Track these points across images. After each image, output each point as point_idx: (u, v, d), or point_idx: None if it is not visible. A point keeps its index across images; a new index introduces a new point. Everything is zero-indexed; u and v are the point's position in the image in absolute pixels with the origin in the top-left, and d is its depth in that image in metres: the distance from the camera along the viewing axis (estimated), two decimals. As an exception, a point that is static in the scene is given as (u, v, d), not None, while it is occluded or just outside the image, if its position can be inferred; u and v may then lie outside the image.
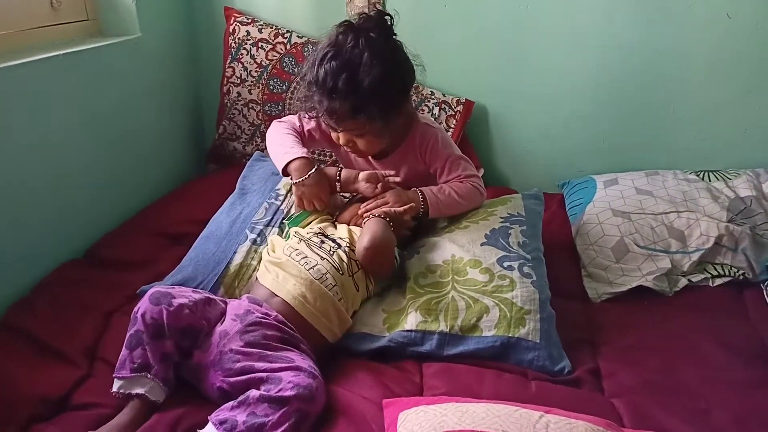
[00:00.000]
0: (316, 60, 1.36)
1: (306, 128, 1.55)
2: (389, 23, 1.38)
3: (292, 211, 1.52)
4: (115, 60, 1.72)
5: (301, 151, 1.46)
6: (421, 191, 1.47)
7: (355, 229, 1.41)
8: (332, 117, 1.38)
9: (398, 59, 1.39)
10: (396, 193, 1.46)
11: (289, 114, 1.70)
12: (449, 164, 1.52)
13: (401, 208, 1.42)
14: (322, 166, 1.51)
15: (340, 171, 1.50)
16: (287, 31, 1.97)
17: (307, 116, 1.48)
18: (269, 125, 1.58)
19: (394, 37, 1.39)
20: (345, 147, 1.47)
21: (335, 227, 1.45)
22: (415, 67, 1.43)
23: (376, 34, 1.35)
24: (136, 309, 1.15)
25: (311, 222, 1.46)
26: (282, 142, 1.51)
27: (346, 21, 1.39)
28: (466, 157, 1.56)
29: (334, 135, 1.47)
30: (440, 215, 1.51)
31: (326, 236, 1.38)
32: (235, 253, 1.41)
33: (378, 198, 1.46)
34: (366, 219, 1.41)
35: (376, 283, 1.38)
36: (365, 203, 1.46)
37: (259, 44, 1.97)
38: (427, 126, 1.53)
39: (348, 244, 1.36)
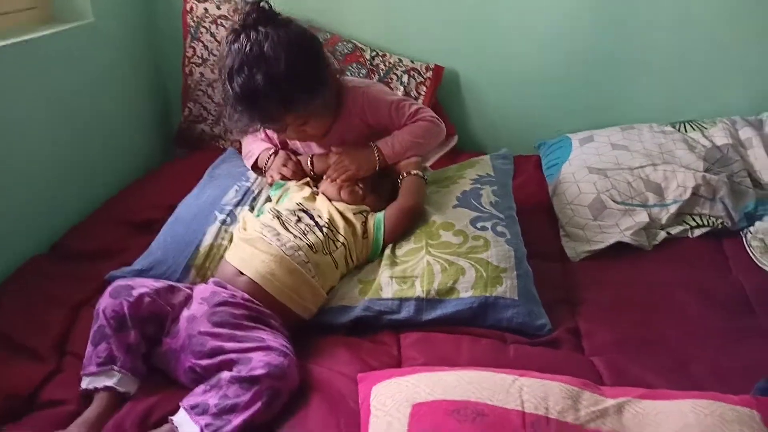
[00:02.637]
0: (225, 79, 1.32)
1: (270, 135, 1.57)
2: (266, 6, 1.34)
3: (263, 192, 1.51)
4: (69, 46, 1.67)
5: (264, 146, 1.51)
6: (374, 144, 1.46)
7: (339, 206, 1.39)
8: (270, 121, 1.37)
9: (296, 34, 1.34)
10: (349, 154, 1.45)
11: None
12: (394, 112, 1.49)
13: (348, 173, 1.43)
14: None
15: (310, 158, 1.51)
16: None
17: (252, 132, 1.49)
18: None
19: (279, 16, 1.35)
20: (297, 139, 1.48)
21: (316, 202, 1.41)
22: (314, 32, 1.40)
23: (263, 24, 1.31)
24: (97, 305, 1.13)
25: (291, 189, 1.46)
26: (249, 149, 1.58)
27: (231, 28, 1.34)
28: (407, 97, 1.54)
29: (281, 137, 1.51)
30: (402, 158, 1.47)
31: (306, 212, 1.35)
32: (204, 234, 1.38)
33: (336, 165, 1.44)
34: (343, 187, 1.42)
35: (359, 259, 1.36)
36: (327, 173, 1.46)
37: (219, 21, 1.91)
38: (355, 88, 1.50)
39: (327, 224, 1.33)
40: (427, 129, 1.49)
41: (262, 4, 1.34)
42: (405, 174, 1.44)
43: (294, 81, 1.30)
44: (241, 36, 1.30)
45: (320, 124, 1.44)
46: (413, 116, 1.49)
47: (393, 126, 1.49)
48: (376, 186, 1.47)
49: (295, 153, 1.58)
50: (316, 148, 1.54)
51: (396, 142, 1.46)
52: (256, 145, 1.58)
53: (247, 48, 1.29)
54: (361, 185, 1.44)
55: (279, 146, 1.58)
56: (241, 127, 1.39)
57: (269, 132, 1.55)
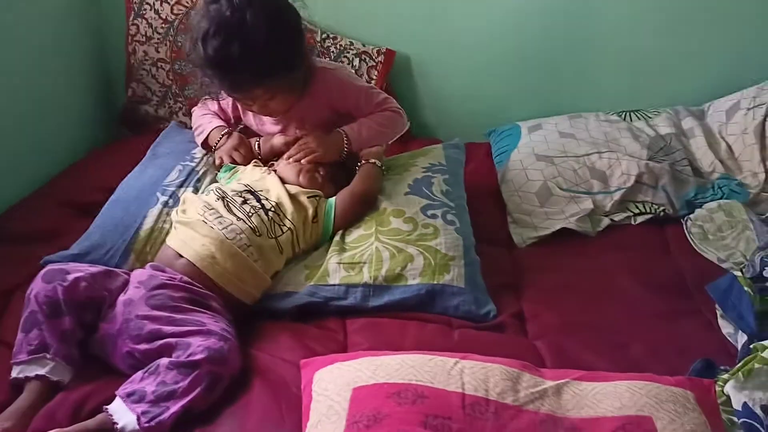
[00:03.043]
0: (198, 39, 1.27)
1: (224, 107, 1.52)
2: None
3: (208, 173, 1.47)
4: (6, 20, 1.58)
5: (216, 123, 1.47)
6: (342, 130, 1.44)
7: (292, 189, 1.35)
8: (238, 91, 1.33)
9: (278, 5, 1.31)
10: (317, 136, 1.43)
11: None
12: (363, 99, 1.48)
13: (315, 155, 1.40)
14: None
15: (258, 141, 1.49)
16: (193, -17, 1.86)
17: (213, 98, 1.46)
18: (181, 86, 1.51)
19: None
20: (258, 112, 1.43)
21: (266, 182, 1.38)
22: (296, 5, 1.36)
23: None
24: (28, 291, 1.08)
25: (240, 170, 1.44)
26: (200, 123, 1.52)
27: None
28: (374, 86, 1.54)
29: (236, 111, 1.46)
30: (366, 146, 1.46)
31: (252, 193, 1.32)
32: (145, 217, 1.34)
33: (301, 146, 1.41)
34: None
35: (308, 244, 1.34)
36: (287, 152, 1.43)
37: (163, -2, 1.85)
38: (325, 69, 1.47)
39: (274, 207, 1.30)
40: (392, 119, 1.49)
41: None
42: (363, 161, 1.43)
43: (272, 55, 1.26)
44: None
45: (287, 100, 1.40)
46: (380, 105, 1.48)
47: (359, 113, 1.48)
48: (334, 174, 1.45)
49: (247, 131, 1.55)
50: (269, 124, 1.51)
51: (363, 130, 1.45)
52: (206, 120, 1.52)
53: (228, 12, 1.24)
54: (321, 171, 1.41)
55: (231, 119, 1.54)
56: (205, 91, 1.36)
57: (223, 103, 1.51)
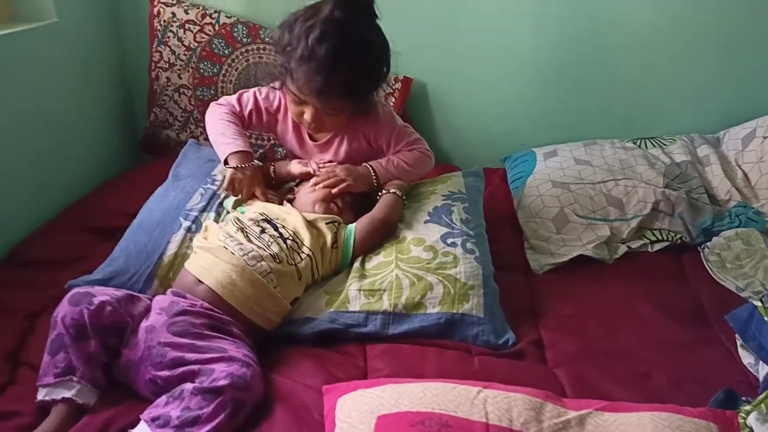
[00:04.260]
0: (310, 34, 1.30)
1: (246, 111, 1.52)
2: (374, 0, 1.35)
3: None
4: (31, 47, 1.62)
5: (244, 145, 1.45)
6: (370, 165, 1.47)
7: (309, 216, 1.36)
8: (317, 93, 1.34)
9: (385, 41, 1.38)
10: (346, 168, 1.45)
11: (224, 96, 1.63)
12: (394, 137, 1.51)
13: (347, 184, 1.42)
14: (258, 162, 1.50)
15: (273, 166, 1.51)
16: (215, 12, 1.90)
17: (268, 88, 1.48)
18: (202, 111, 1.53)
19: (374, 9, 1.36)
20: (300, 119, 1.43)
21: (281, 210, 1.39)
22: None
23: (369, 15, 1.34)
24: (55, 313, 1.10)
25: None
26: (224, 131, 1.47)
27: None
28: (409, 125, 1.57)
29: (295, 110, 1.42)
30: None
31: (269, 221, 1.33)
32: (168, 242, 1.34)
33: (329, 173, 1.44)
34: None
35: (327, 270, 1.35)
36: (314, 179, 1.44)
37: (186, 26, 1.89)
38: (377, 103, 1.50)
39: (291, 236, 1.31)
40: (421, 160, 1.52)
41: None
42: (384, 191, 1.45)
43: (367, 77, 1.34)
44: (347, 10, 1.30)
45: (344, 122, 1.44)
46: (410, 144, 1.52)
47: (389, 149, 1.52)
48: (353, 202, 1.47)
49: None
50: (290, 136, 1.53)
51: (391, 166, 1.48)
52: (233, 135, 1.46)
53: (349, 23, 1.30)
54: (344, 200, 1.43)
55: (246, 120, 1.52)
56: (273, 76, 1.41)
57: (243, 100, 1.51)
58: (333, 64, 1.29)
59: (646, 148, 1.81)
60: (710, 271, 1.48)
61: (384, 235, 1.38)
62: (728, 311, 1.24)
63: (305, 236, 1.31)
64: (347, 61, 1.30)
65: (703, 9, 1.84)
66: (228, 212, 1.42)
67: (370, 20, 1.35)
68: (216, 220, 1.40)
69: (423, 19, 1.93)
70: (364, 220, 1.39)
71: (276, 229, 1.32)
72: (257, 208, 1.38)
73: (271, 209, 1.38)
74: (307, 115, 1.39)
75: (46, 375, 1.06)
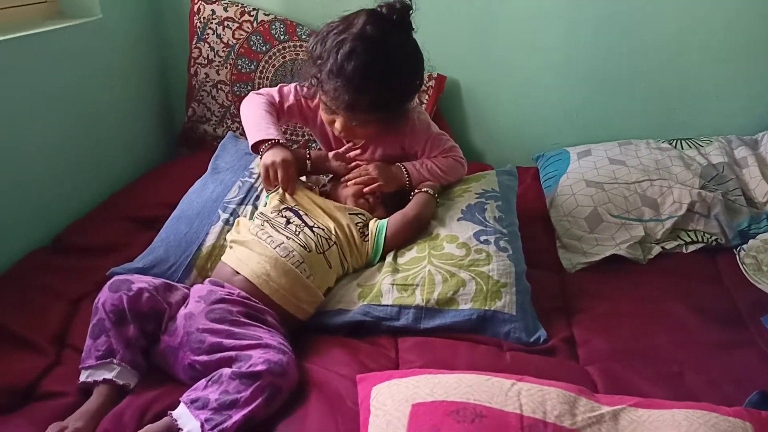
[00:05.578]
0: (340, 50, 1.29)
1: (287, 103, 1.51)
2: (411, 14, 1.34)
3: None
4: (76, 42, 1.68)
5: (277, 135, 1.41)
6: (404, 166, 1.48)
7: (327, 204, 1.38)
8: (345, 108, 1.34)
9: (419, 55, 1.37)
10: (380, 167, 1.46)
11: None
12: (429, 144, 1.52)
13: (378, 184, 1.43)
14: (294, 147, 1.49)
15: (309, 152, 1.49)
16: (253, 9, 1.94)
17: (303, 94, 1.47)
18: (239, 106, 1.55)
19: (410, 21, 1.35)
20: (340, 129, 1.41)
21: (309, 201, 1.40)
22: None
23: (404, 30, 1.33)
24: (96, 299, 1.14)
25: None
26: (259, 120, 1.45)
27: (372, 10, 1.33)
28: (444, 132, 1.57)
29: (326, 117, 1.42)
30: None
31: (291, 210, 1.34)
32: (207, 233, 1.38)
33: (362, 171, 1.45)
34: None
35: (357, 261, 1.37)
36: (348, 175, 1.46)
37: (225, 23, 1.93)
38: (412, 109, 1.51)
39: (315, 223, 1.33)
40: (454, 167, 1.53)
41: (410, 9, 1.33)
42: (417, 190, 1.46)
43: (396, 93, 1.34)
44: (380, 26, 1.30)
45: (370, 133, 1.44)
46: (445, 151, 1.53)
47: (423, 155, 1.52)
48: (386, 199, 1.48)
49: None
50: (327, 132, 1.52)
51: (424, 169, 1.49)
52: (267, 124, 1.43)
53: (381, 40, 1.29)
54: (371, 199, 1.45)
55: (285, 113, 1.51)
56: (309, 86, 1.40)
57: (284, 92, 1.50)
58: (361, 82, 1.28)
59: (682, 149, 1.80)
60: (746, 274, 1.46)
61: (416, 231, 1.39)
62: (764, 313, 1.23)
63: (329, 224, 1.34)
64: (376, 79, 1.29)
65: (744, 11, 1.82)
66: (266, 204, 1.44)
67: (404, 35, 1.34)
68: (253, 213, 1.43)
69: (458, 18, 1.94)
70: (397, 216, 1.40)
71: (300, 217, 1.34)
72: (278, 197, 1.39)
73: (291, 199, 1.39)
74: (338, 125, 1.40)
75: (88, 357, 1.10)
